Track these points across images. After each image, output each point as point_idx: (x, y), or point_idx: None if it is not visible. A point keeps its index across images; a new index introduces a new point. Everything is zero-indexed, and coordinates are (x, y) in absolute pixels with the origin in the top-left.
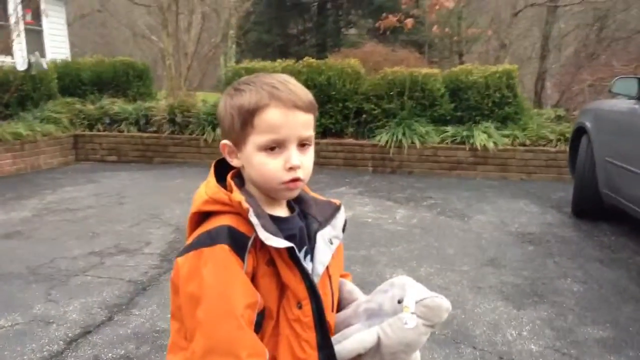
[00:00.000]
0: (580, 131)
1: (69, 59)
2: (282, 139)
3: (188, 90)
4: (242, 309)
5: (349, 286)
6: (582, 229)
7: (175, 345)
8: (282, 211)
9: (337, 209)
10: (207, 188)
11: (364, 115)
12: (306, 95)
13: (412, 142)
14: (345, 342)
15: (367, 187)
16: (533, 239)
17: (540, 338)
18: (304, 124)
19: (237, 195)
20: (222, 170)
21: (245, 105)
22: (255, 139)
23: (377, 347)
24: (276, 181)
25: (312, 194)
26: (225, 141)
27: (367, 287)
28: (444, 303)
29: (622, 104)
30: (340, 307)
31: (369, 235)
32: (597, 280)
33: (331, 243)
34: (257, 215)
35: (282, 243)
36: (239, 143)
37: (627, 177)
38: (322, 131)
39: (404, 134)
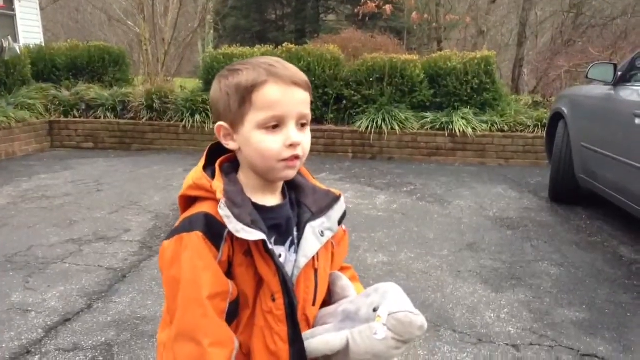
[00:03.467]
0: (556, 117)
1: (43, 44)
2: (282, 115)
3: (166, 76)
4: (207, 297)
5: (344, 282)
6: (559, 213)
7: (164, 322)
8: (273, 199)
9: (335, 199)
10: (194, 173)
11: (344, 102)
12: (302, 74)
13: (392, 128)
14: (312, 341)
15: (348, 173)
16: (511, 223)
17: (518, 320)
18: (303, 101)
19: (216, 184)
20: (218, 154)
21: (243, 82)
22: (254, 117)
23: (346, 351)
24: (275, 159)
25: (313, 181)
26: (220, 123)
27: None
28: (417, 320)
29: (598, 90)
30: (331, 302)
31: (349, 221)
32: (573, 264)
33: (322, 235)
34: (234, 205)
35: (252, 235)
36: (235, 123)
37: (603, 161)
38: None
39: (383, 120)
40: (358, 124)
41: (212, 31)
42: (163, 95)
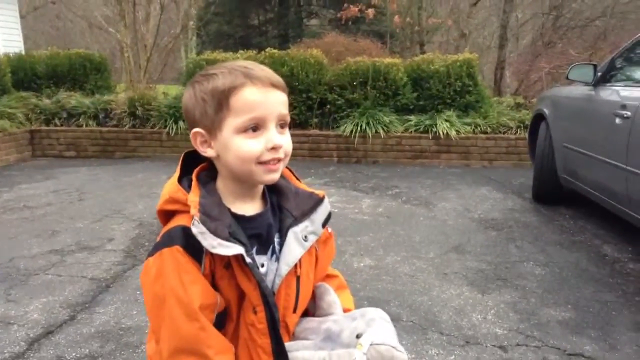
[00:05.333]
0: (538, 118)
1: (23, 52)
2: (262, 117)
3: (148, 83)
4: (198, 309)
5: (331, 297)
6: (542, 214)
7: (152, 333)
8: (252, 207)
9: (318, 201)
10: (169, 186)
11: (327, 106)
12: (277, 76)
13: (376, 132)
14: (291, 355)
15: (333, 177)
16: (496, 224)
17: (505, 321)
18: (282, 102)
19: (191, 197)
20: (194, 161)
21: (220, 86)
22: (233, 121)
23: None
24: (255, 161)
25: (296, 183)
26: (196, 129)
27: None
28: (399, 357)
29: (578, 91)
30: (316, 316)
31: (335, 225)
32: (557, 263)
33: (305, 240)
34: (209, 219)
35: (229, 250)
36: (213, 129)
37: (584, 161)
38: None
39: (368, 123)
40: (342, 128)
41: (194, 37)
42: (146, 102)
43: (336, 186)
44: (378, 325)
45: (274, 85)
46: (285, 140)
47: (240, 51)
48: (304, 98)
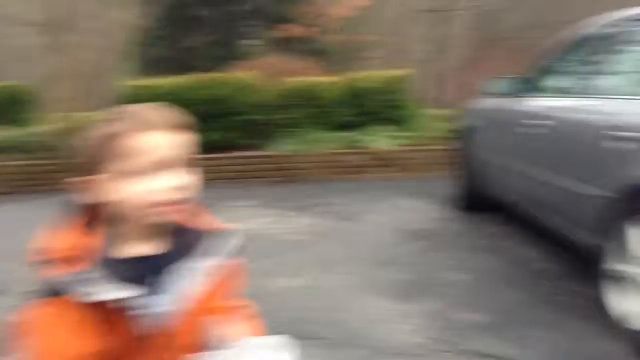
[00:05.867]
0: (465, 130)
1: None
2: (158, 161)
3: (82, 112)
4: (78, 358)
5: (224, 332)
6: (471, 222)
7: None
8: (144, 248)
9: (220, 235)
10: (50, 233)
11: (264, 126)
12: (176, 116)
13: (311, 150)
14: None
15: (266, 198)
16: (425, 235)
17: (427, 330)
18: (181, 144)
19: (74, 243)
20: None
21: (117, 131)
22: (126, 166)
23: None
24: (148, 206)
25: (198, 218)
26: (87, 176)
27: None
28: None
29: (501, 102)
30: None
31: (260, 247)
32: (482, 269)
33: (199, 276)
34: (91, 266)
35: (111, 295)
36: (101, 174)
37: (506, 172)
38: (220, 146)
39: (302, 142)
40: (278, 147)
41: (130, 63)
42: (78, 131)
43: (269, 207)
44: (251, 356)
45: (173, 128)
46: (181, 182)
47: (177, 75)
48: (239, 120)
